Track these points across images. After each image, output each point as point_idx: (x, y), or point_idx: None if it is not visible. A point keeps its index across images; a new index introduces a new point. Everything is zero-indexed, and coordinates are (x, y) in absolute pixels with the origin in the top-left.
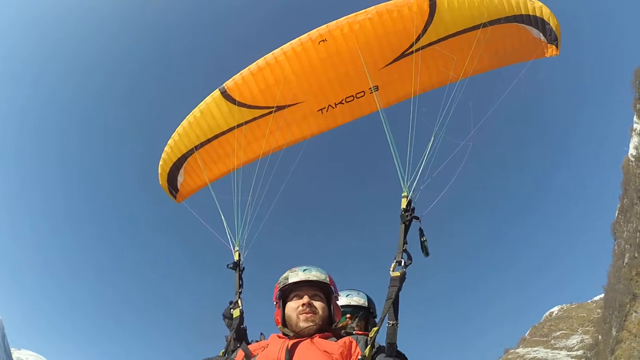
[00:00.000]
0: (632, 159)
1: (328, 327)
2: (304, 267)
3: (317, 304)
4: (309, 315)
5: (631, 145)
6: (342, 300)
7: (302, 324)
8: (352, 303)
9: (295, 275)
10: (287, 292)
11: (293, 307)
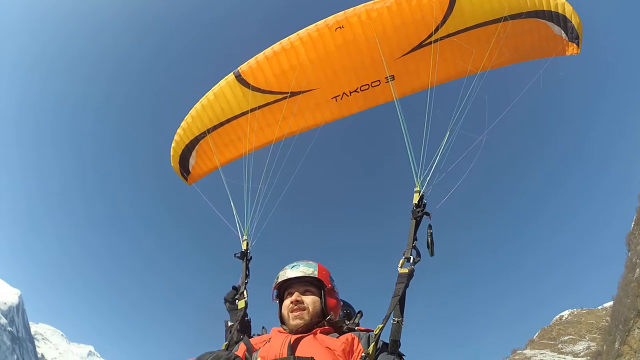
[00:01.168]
0: None
1: (321, 320)
2: (293, 264)
3: (308, 299)
4: (297, 312)
5: None
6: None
7: (292, 322)
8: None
9: (284, 273)
10: (283, 291)
11: (286, 305)
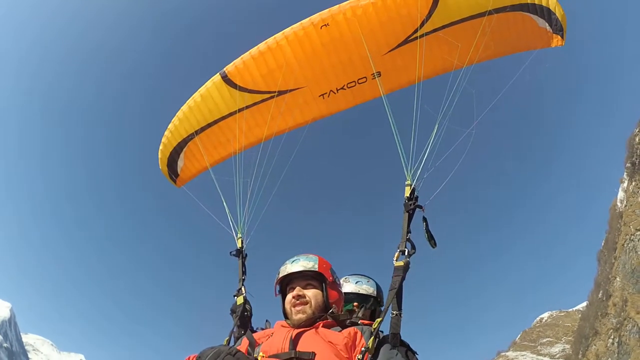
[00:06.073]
0: (619, 205)
1: (324, 314)
2: (294, 258)
3: (310, 293)
4: (299, 307)
5: (618, 196)
6: (350, 287)
7: (295, 317)
8: (361, 292)
9: (285, 268)
10: (285, 286)
11: (288, 299)
